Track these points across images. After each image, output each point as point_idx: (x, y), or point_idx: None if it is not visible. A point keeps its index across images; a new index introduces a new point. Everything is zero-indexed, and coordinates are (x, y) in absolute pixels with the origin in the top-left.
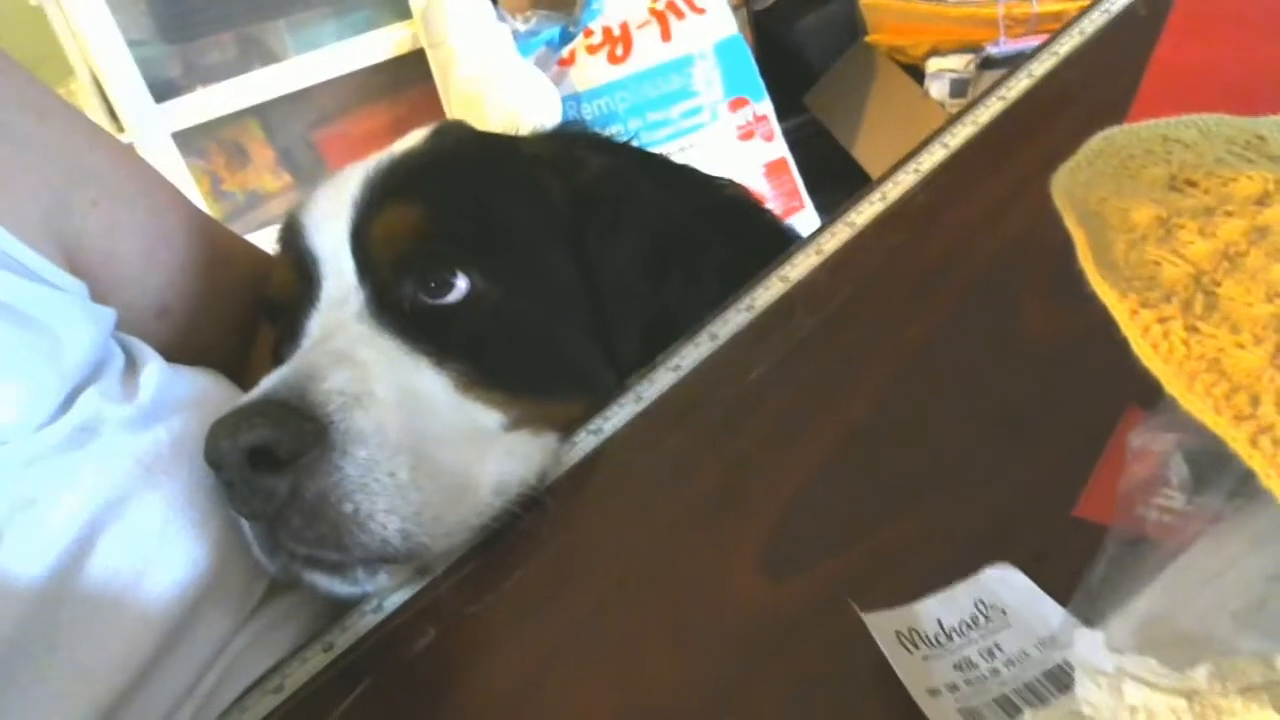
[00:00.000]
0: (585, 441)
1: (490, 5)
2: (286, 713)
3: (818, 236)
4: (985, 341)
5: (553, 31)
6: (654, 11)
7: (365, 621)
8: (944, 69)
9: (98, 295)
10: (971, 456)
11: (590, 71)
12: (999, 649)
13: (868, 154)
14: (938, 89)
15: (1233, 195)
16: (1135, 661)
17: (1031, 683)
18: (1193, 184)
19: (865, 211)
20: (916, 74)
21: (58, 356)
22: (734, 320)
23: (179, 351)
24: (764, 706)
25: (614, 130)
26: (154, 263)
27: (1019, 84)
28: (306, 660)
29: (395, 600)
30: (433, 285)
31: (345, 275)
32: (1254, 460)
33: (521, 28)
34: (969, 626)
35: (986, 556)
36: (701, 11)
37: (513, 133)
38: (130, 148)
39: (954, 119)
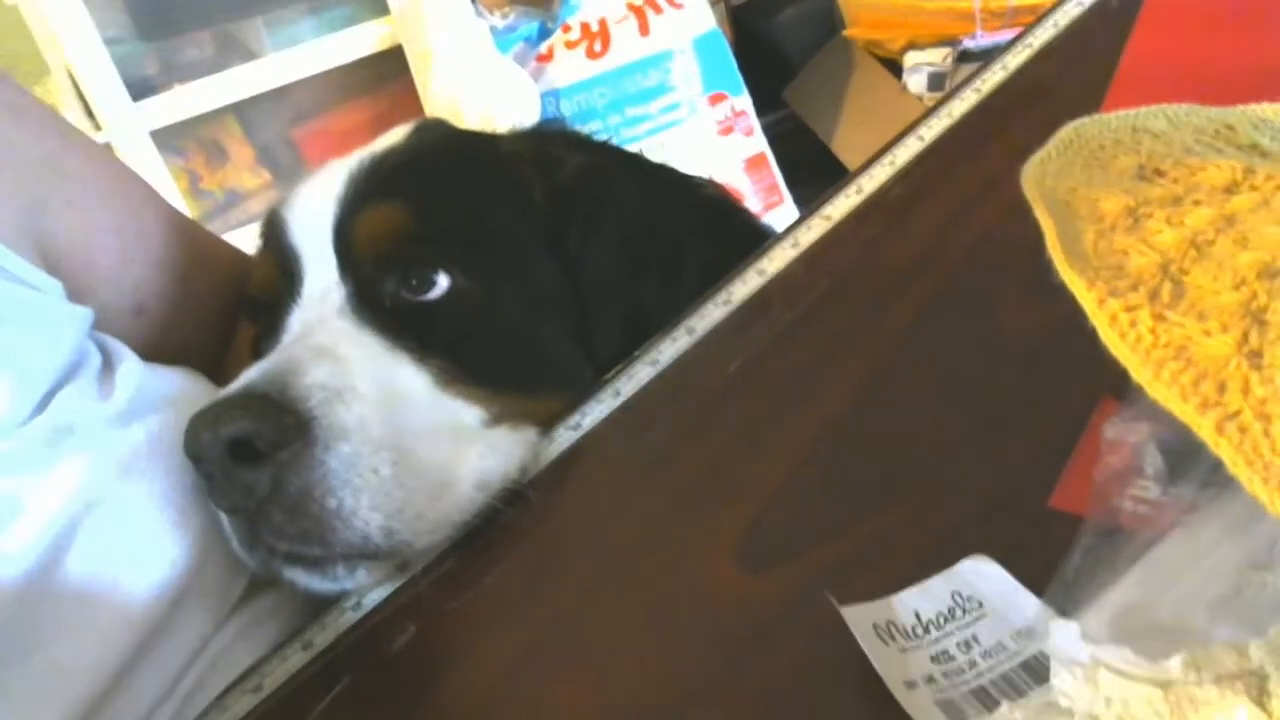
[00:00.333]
0: (564, 437)
1: (468, 1)
2: (266, 711)
3: (794, 230)
4: (962, 333)
5: (531, 27)
6: (632, 7)
7: (345, 619)
8: (921, 63)
9: (74, 295)
10: (948, 449)
11: (569, 67)
12: (976, 641)
13: (846, 148)
14: (915, 82)
15: (1201, 184)
16: (1111, 651)
17: (1008, 674)
18: (1161, 173)
19: (841, 205)
20: (894, 68)
21: (34, 356)
22: (712, 314)
23: (157, 351)
24: (743, 699)
25: (593, 126)
26: (130, 262)
27: (994, 77)
28: (286, 658)
29: (375, 597)
30: (414, 282)
31: (327, 271)
32: (1220, 447)
33: (499, 24)
34: (946, 619)
35: (963, 548)
36: (679, 6)
37: (492, 130)
38: (106, 147)
39: (929, 112)
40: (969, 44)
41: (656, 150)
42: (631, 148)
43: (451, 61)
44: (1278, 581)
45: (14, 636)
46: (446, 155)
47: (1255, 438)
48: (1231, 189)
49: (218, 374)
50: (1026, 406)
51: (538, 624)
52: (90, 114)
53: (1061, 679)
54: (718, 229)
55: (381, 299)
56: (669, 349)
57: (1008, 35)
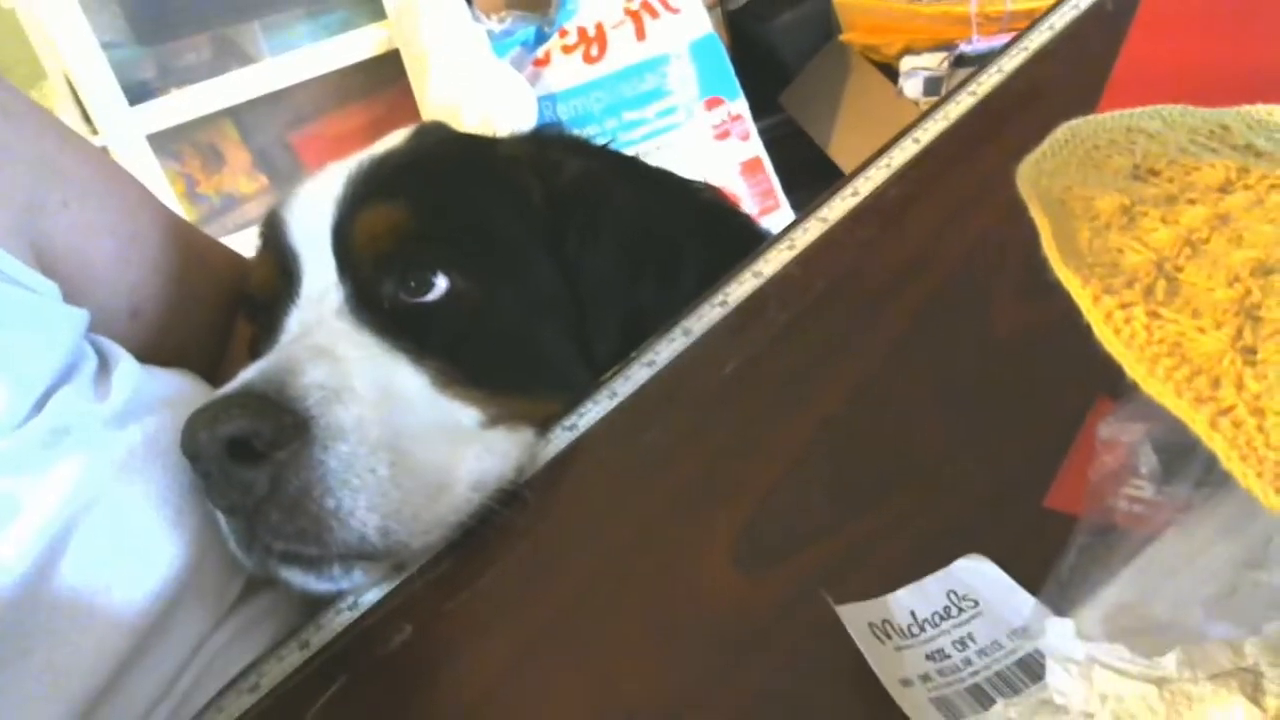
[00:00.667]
0: (560, 438)
1: (465, 5)
2: (263, 711)
3: (790, 231)
4: (958, 334)
5: (528, 32)
6: (629, 11)
7: (341, 619)
8: (918, 67)
9: (70, 296)
10: (944, 449)
11: (565, 72)
12: (971, 639)
13: (843, 152)
14: (912, 87)
15: (1195, 183)
16: (1106, 649)
17: (1003, 672)
18: (1156, 173)
19: (837, 206)
20: (890, 72)
21: (30, 358)
22: (708, 315)
23: (153, 353)
24: (739, 699)
25: (590, 130)
26: (126, 264)
27: (990, 79)
28: (282, 658)
29: (371, 597)
30: (412, 284)
31: (326, 272)
32: (1215, 442)
33: (496, 28)
34: (941, 617)
35: (959, 548)
36: (676, 11)
37: (490, 134)
38: (102, 150)
39: (925, 114)
40: (965, 49)
41: (653, 154)
42: (628, 152)
43: (448, 66)
44: (1272, 579)
45: (11, 638)
46: (446, 158)
47: (1249, 433)
48: (1226, 188)
49: (214, 376)
50: (1022, 407)
51: (534, 624)
52: (87, 118)
53: (1056, 676)
54: (715, 232)
55: (380, 300)
56: (665, 350)
57: (1003, 40)
